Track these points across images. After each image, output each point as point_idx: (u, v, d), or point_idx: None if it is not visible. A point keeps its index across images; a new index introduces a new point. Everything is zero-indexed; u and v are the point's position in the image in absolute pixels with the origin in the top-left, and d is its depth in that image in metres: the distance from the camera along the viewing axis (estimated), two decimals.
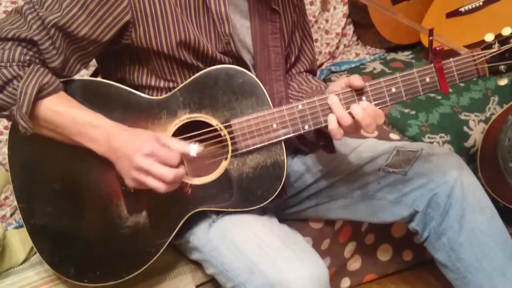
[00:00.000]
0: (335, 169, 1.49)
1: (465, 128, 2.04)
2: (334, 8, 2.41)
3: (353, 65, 2.38)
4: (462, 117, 2.05)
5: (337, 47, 2.43)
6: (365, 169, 1.47)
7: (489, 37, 1.22)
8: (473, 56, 1.21)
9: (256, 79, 1.25)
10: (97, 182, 1.26)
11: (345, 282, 1.83)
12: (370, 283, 1.89)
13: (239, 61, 1.31)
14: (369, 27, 2.37)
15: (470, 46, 2.12)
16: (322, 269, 1.25)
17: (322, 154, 1.49)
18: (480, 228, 1.37)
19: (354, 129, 1.23)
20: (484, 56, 1.21)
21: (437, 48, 1.19)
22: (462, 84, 2.08)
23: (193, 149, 1.17)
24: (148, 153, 1.13)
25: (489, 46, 1.21)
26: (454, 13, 2.26)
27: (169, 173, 1.14)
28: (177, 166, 1.15)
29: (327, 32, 2.39)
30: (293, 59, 1.50)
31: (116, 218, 1.27)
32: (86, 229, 1.29)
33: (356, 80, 1.21)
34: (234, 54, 1.31)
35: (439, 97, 2.05)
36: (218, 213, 1.32)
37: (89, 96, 1.23)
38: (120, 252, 1.29)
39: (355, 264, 1.84)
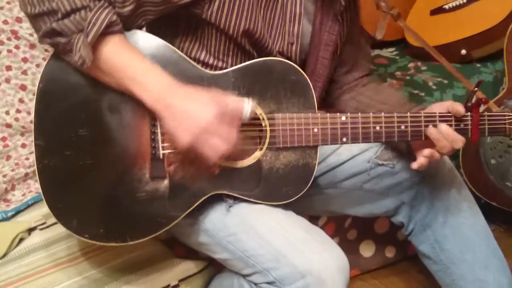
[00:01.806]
0: (325, 160, 1.49)
1: None
2: None
3: None
4: None
5: None
6: (355, 160, 1.47)
7: None
8: (505, 116, 1.30)
9: (309, 81, 1.26)
10: (127, 140, 1.22)
11: None
12: (353, 278, 1.89)
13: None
14: None
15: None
16: (345, 260, 1.26)
17: None
18: (464, 221, 1.39)
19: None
20: None
21: (483, 100, 1.27)
22: (445, 81, 2.10)
23: (248, 107, 1.14)
24: (215, 115, 1.10)
25: None
26: (438, 10, 2.27)
27: (234, 134, 1.12)
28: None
29: None
30: (344, 70, 1.50)
31: (136, 181, 1.23)
32: (101, 184, 1.23)
33: (460, 109, 1.26)
34: (290, 56, 1.32)
35: (423, 94, 2.06)
36: (235, 198, 1.30)
37: (142, 50, 1.19)
38: (131, 214, 1.24)
39: None
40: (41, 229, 1.51)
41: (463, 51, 2.13)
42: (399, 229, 1.49)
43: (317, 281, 1.18)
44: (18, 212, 1.58)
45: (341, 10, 1.37)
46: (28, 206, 1.60)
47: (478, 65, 2.16)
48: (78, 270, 1.37)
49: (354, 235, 1.85)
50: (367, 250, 1.89)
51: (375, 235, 1.88)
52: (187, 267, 1.44)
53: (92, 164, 1.22)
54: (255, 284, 1.27)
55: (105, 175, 1.23)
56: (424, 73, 2.17)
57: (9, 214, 1.56)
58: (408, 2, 2.39)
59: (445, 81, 2.09)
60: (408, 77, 2.14)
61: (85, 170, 1.22)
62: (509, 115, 1.29)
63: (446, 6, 2.25)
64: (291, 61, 1.30)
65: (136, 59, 1.14)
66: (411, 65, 2.24)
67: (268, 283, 1.24)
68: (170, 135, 1.15)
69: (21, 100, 1.72)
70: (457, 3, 2.23)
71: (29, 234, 1.50)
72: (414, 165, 1.28)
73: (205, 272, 1.47)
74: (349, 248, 1.84)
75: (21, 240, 1.47)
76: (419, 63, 2.23)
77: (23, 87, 1.73)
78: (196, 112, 1.10)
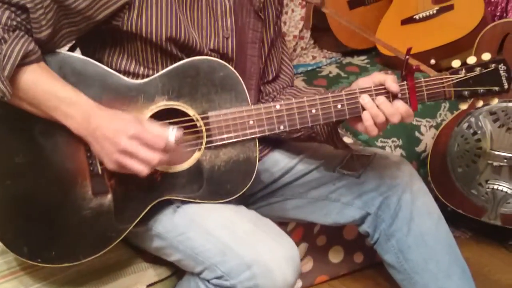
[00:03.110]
0: (291, 169, 1.51)
1: (417, 133, 2.09)
2: (292, 11, 2.43)
3: (309, 68, 2.41)
4: (414, 122, 2.09)
5: (294, 50, 2.45)
6: (320, 170, 1.49)
7: (456, 64, 1.28)
8: (442, 78, 1.27)
9: (238, 75, 1.25)
10: (64, 160, 1.23)
11: (297, 283, 1.83)
12: (322, 284, 1.91)
13: (224, 60, 1.30)
14: (326, 31, 2.39)
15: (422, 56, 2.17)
16: (295, 250, 1.27)
17: (279, 154, 1.52)
18: (427, 231, 1.41)
19: (385, 126, 1.25)
20: (452, 80, 1.27)
21: (414, 67, 1.24)
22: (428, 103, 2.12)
23: (172, 134, 1.16)
24: (133, 135, 1.12)
25: (456, 71, 1.27)
26: (408, 20, 2.31)
27: (155, 157, 1.13)
28: (162, 151, 1.14)
29: (284, 34, 2.40)
30: (270, 77, 1.52)
31: (79, 199, 1.23)
32: (46, 208, 1.24)
33: (393, 85, 1.23)
34: (226, 52, 1.31)
35: None
36: (183, 201, 1.31)
37: (66, 70, 1.20)
38: (79, 233, 1.25)
39: (306, 265, 1.85)
40: None
41: (432, 61, 2.17)
42: (367, 236, 1.51)
43: (264, 270, 1.19)
44: None
45: (260, 7, 1.38)
46: None
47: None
48: (41, 276, 1.36)
49: (323, 241, 1.87)
50: (336, 256, 1.91)
51: (344, 241, 1.90)
52: (156, 272, 1.44)
53: (34, 190, 1.23)
54: (208, 281, 1.27)
55: (49, 199, 1.24)
56: None
57: None
58: (380, 11, 2.42)
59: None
60: None
61: (28, 197, 1.23)
62: (446, 77, 1.26)
63: (417, 17, 2.29)
64: (227, 57, 1.31)
65: (56, 86, 1.15)
66: (382, 73, 2.26)
67: (217, 277, 1.24)
68: (98, 158, 1.19)
69: None
70: (427, 14, 2.27)
71: None
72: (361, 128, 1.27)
73: (173, 277, 1.46)
74: (318, 254, 1.86)
75: None
76: (389, 72, 2.25)
77: None
78: (115, 135, 1.13)
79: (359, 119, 1.25)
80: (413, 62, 1.32)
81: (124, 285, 1.40)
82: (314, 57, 2.47)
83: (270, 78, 1.52)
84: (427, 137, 2.09)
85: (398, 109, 1.23)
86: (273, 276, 1.20)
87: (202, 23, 1.29)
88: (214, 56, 1.29)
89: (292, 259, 1.24)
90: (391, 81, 1.24)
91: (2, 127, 1.22)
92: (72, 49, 1.39)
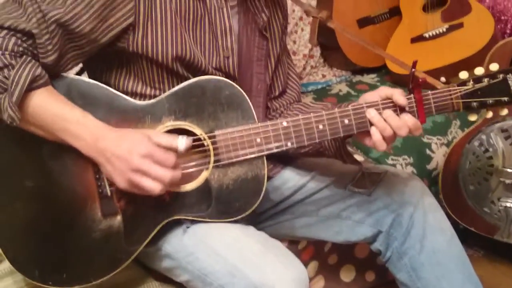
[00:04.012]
0: (302, 187, 1.50)
1: (428, 151, 2.08)
2: (302, 30, 2.44)
3: (319, 86, 2.41)
4: (425, 140, 2.09)
5: (304, 68, 2.46)
6: (331, 188, 1.48)
7: (464, 75, 1.27)
8: (450, 91, 1.26)
9: (243, 93, 1.25)
10: (73, 183, 1.23)
11: None
12: None
13: (228, 78, 1.30)
14: (335, 50, 2.40)
15: (430, 71, 2.17)
16: (303, 272, 1.26)
17: (289, 172, 1.51)
18: (440, 248, 1.39)
19: (393, 139, 1.25)
20: (460, 92, 1.26)
21: (420, 80, 1.23)
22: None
23: (181, 143, 1.17)
24: (145, 154, 1.13)
25: (463, 83, 1.27)
26: (418, 38, 2.32)
27: (168, 174, 1.14)
28: (173, 167, 1.15)
29: (294, 53, 2.42)
30: (277, 92, 1.52)
31: (89, 221, 1.24)
32: (56, 230, 1.25)
33: (401, 98, 1.23)
34: (228, 71, 1.32)
35: None
36: (192, 221, 1.30)
37: (73, 94, 1.21)
38: (90, 255, 1.26)
39: (318, 284, 1.84)
40: None
41: (443, 79, 2.16)
42: (379, 254, 1.50)
43: None
44: None
45: (264, 26, 1.40)
46: None
47: None
48: None
49: (335, 260, 1.86)
50: (347, 275, 1.89)
51: (356, 259, 1.88)
52: None
53: (44, 213, 1.24)
54: None
55: (58, 221, 1.25)
56: None
57: None
58: (390, 29, 2.43)
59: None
60: None
61: (38, 220, 1.24)
62: (453, 89, 1.26)
63: (426, 35, 2.30)
64: (230, 75, 1.32)
65: (64, 109, 1.16)
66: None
67: None
68: (109, 178, 1.19)
69: None
70: (437, 32, 2.27)
71: None
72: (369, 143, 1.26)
73: None
74: (330, 272, 1.85)
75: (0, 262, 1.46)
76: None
77: None
78: (126, 154, 1.14)
79: (367, 133, 1.25)
80: (420, 75, 1.31)
81: None
82: (324, 76, 2.48)
83: (277, 93, 1.52)
84: (438, 154, 2.09)
85: (406, 122, 1.23)
86: None
87: (205, 42, 1.30)
88: (219, 75, 1.30)
89: (300, 281, 1.23)
90: (398, 94, 1.24)
91: (12, 151, 1.23)
92: (79, 72, 1.41)
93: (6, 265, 1.43)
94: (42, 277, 1.24)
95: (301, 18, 2.44)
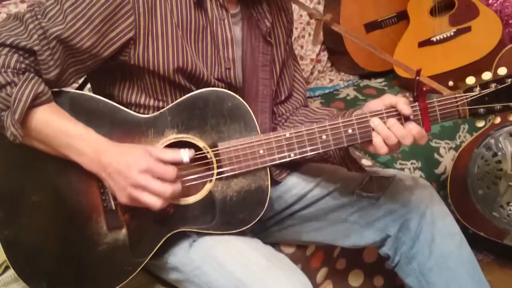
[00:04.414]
0: (308, 193, 1.50)
1: (436, 155, 2.08)
2: (309, 34, 2.45)
3: (327, 91, 2.41)
4: (433, 144, 2.08)
5: (312, 73, 2.46)
6: (339, 192, 1.48)
7: (471, 81, 1.25)
8: (456, 98, 1.24)
9: (246, 105, 1.26)
10: (78, 197, 1.25)
11: None
12: None
13: (231, 88, 1.31)
14: (343, 54, 2.41)
15: (436, 76, 2.17)
16: (307, 286, 1.25)
17: (295, 179, 1.51)
18: (449, 253, 1.38)
19: (398, 147, 1.25)
20: (466, 98, 1.24)
21: (424, 89, 1.22)
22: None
23: (185, 155, 1.17)
24: (144, 169, 1.13)
25: (470, 89, 1.24)
26: (426, 42, 2.31)
27: (167, 189, 1.14)
28: (173, 181, 1.16)
29: (302, 58, 2.42)
30: (283, 97, 1.52)
31: (95, 234, 1.25)
32: (62, 244, 1.26)
33: (405, 107, 1.21)
34: (230, 81, 1.32)
35: None
36: (198, 233, 1.31)
37: (76, 109, 1.22)
38: (96, 268, 1.27)
39: None
40: None
41: (451, 83, 2.15)
42: (387, 259, 1.49)
43: None
44: None
45: (268, 31, 1.40)
46: None
47: None
48: None
49: (343, 265, 1.85)
50: (355, 280, 1.89)
51: (364, 264, 1.88)
52: None
53: (51, 227, 1.25)
54: None
55: (64, 235, 1.26)
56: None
57: None
58: (397, 34, 2.43)
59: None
60: None
61: (45, 234, 1.26)
62: (460, 96, 1.23)
63: (434, 39, 2.29)
64: (232, 86, 1.32)
65: (67, 125, 1.17)
66: (399, 95, 2.27)
67: None
68: (112, 193, 1.20)
69: None
70: (445, 36, 2.27)
71: None
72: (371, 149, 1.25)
73: None
74: (338, 277, 1.84)
75: (7, 268, 1.47)
76: (407, 94, 2.26)
77: None
78: (126, 170, 1.14)
79: (371, 141, 1.25)
80: (425, 80, 1.29)
81: None
82: (331, 80, 2.48)
83: (283, 98, 1.52)
84: (447, 159, 2.08)
85: (411, 131, 1.22)
86: None
87: (206, 53, 1.30)
88: (221, 86, 1.31)
89: None
90: (402, 103, 1.22)
91: (18, 166, 1.24)
92: (83, 84, 1.42)
93: (12, 271, 1.44)
94: None
95: (308, 23, 2.45)
